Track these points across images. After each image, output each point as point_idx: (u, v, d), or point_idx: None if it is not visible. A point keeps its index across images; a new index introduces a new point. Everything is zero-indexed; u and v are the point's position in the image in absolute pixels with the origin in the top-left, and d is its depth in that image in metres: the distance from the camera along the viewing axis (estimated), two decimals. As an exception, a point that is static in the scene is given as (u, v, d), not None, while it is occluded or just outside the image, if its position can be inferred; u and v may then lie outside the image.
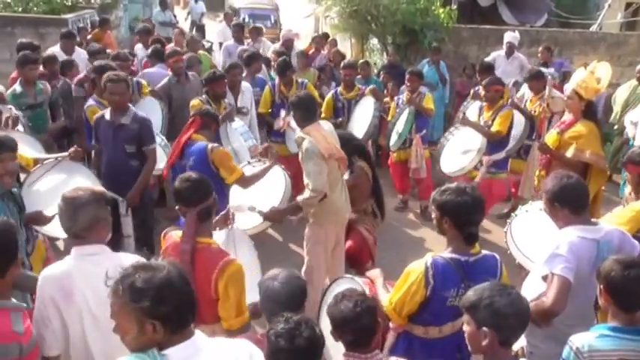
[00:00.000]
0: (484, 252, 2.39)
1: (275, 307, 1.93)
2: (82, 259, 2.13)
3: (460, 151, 4.96)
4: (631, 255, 2.32)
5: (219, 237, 2.88)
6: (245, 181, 3.47)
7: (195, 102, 4.64)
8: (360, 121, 5.38)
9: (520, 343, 2.61)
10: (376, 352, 2.00)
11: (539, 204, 3.09)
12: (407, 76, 5.69)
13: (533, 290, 2.52)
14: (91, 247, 2.15)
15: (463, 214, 2.30)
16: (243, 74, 5.81)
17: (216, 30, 10.75)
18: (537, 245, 3.07)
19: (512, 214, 3.61)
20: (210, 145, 3.40)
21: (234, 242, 3.00)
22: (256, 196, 3.63)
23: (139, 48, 7.30)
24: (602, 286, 2.09)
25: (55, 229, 2.95)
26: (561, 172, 2.67)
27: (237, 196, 3.67)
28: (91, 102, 4.48)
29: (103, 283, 1.98)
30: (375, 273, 2.68)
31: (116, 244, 3.70)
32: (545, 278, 2.41)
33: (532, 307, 2.35)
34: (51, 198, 2.89)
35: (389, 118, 5.82)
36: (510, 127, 4.98)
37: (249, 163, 4.03)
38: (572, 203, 2.48)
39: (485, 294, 1.81)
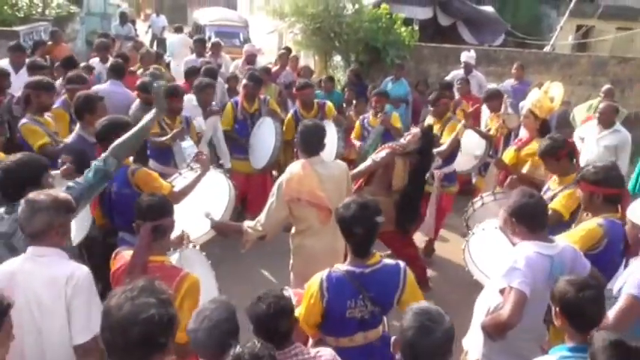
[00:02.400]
0: (386, 261, 2.42)
1: (205, 354, 1.94)
2: (31, 260, 2.18)
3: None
4: (581, 275, 2.34)
5: (173, 258, 2.79)
6: (174, 197, 3.30)
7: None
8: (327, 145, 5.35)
9: (475, 355, 2.64)
10: (293, 347, 2.08)
11: (495, 222, 3.12)
12: (373, 98, 5.65)
13: (490, 304, 2.53)
14: (42, 249, 2.19)
15: (344, 225, 2.39)
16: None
17: (170, 41, 10.45)
18: (494, 262, 3.10)
19: (470, 232, 3.63)
20: (130, 169, 3.25)
21: (189, 262, 2.90)
22: (200, 204, 3.50)
23: (95, 62, 7.07)
24: (557, 309, 2.10)
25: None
26: (525, 189, 2.69)
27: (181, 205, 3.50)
28: (24, 121, 4.07)
29: (44, 285, 2.10)
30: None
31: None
32: (502, 291, 2.43)
33: (488, 321, 2.42)
34: None
35: (352, 135, 5.71)
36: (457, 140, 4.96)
37: (180, 174, 3.92)
38: (529, 222, 2.52)
39: (408, 318, 1.84)
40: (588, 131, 5.47)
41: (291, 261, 3.51)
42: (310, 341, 2.53)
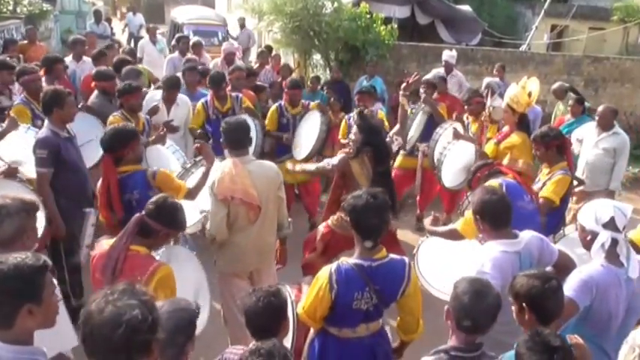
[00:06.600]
0: (392, 256, 2.49)
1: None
2: None
3: (460, 166, 4.87)
4: (544, 266, 2.43)
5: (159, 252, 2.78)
6: (191, 195, 3.39)
7: (112, 119, 4.37)
8: (307, 136, 5.29)
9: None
10: None
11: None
12: (356, 96, 5.69)
13: None
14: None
15: (356, 217, 2.40)
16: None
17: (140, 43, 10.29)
18: (443, 270, 3.16)
19: (420, 240, 3.61)
20: (149, 172, 3.23)
21: (176, 259, 2.87)
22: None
23: (68, 60, 6.92)
24: (524, 304, 2.11)
25: None
26: (488, 187, 2.72)
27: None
28: (19, 101, 4.23)
29: None
30: (307, 281, 2.78)
31: (72, 253, 3.64)
32: None
33: None
34: None
35: (339, 135, 5.67)
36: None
37: (185, 169, 3.86)
38: (491, 219, 2.56)
39: (462, 286, 2.05)
40: (587, 133, 5.36)
41: (215, 258, 3.46)
42: (311, 332, 2.58)
